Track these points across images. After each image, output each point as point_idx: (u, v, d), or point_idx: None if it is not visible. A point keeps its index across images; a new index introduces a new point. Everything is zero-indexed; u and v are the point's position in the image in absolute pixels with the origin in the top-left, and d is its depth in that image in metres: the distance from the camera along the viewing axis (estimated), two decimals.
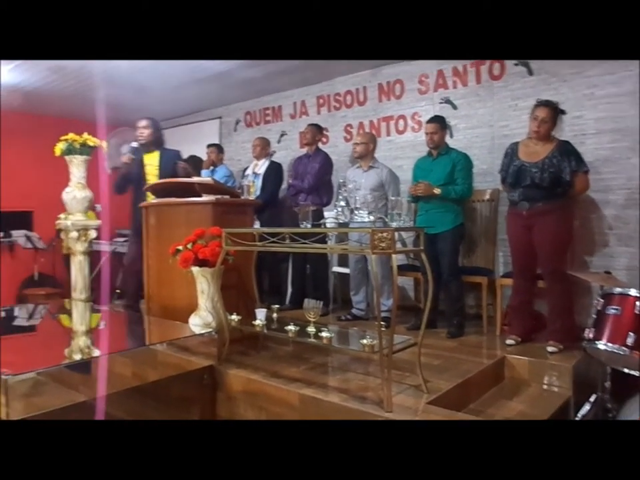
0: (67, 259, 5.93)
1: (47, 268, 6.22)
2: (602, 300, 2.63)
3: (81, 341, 3.16)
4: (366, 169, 4.01)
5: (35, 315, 4.29)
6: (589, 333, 2.59)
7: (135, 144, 4.23)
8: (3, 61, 4.33)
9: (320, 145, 4.91)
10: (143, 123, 4.22)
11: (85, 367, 2.54)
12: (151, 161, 4.19)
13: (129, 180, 4.18)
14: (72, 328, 3.65)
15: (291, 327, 2.54)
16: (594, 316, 2.65)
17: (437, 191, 3.47)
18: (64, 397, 2.34)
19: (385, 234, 2.10)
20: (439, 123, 3.63)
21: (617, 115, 3.52)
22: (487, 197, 3.92)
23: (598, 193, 3.58)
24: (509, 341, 3.27)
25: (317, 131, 4.62)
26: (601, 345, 2.52)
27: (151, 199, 3.84)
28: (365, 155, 3.99)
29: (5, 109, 5.79)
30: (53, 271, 6.24)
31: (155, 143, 4.24)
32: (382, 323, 2.23)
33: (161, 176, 4.04)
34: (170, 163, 4.12)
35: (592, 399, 2.59)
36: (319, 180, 4.38)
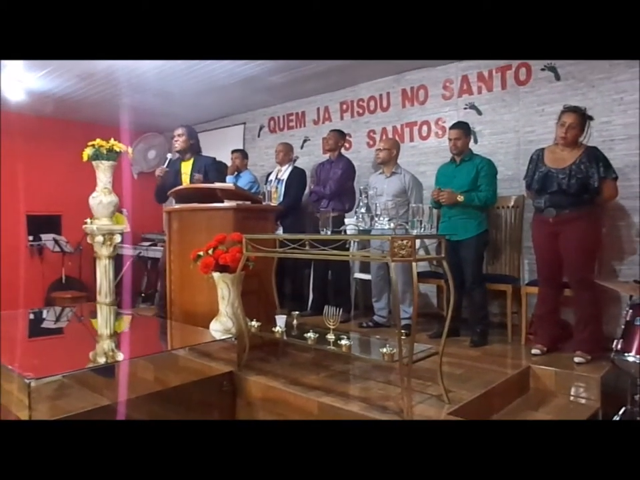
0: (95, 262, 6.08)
1: (73, 271, 6.35)
2: (631, 310, 2.55)
3: (105, 344, 3.20)
4: (389, 175, 3.99)
5: (61, 318, 4.37)
6: (618, 344, 2.52)
7: (169, 155, 4.30)
8: (32, 69, 4.45)
9: (343, 150, 4.91)
10: (179, 131, 4.28)
11: (109, 370, 2.57)
12: (186, 169, 4.25)
13: (166, 190, 4.24)
14: (97, 331, 3.70)
15: (310, 334, 2.53)
16: (622, 326, 2.58)
17: (460, 198, 3.42)
18: (88, 400, 2.37)
19: (405, 241, 2.07)
20: (463, 129, 3.59)
21: None
22: (512, 203, 3.85)
23: (627, 200, 3.49)
24: (534, 351, 3.19)
25: (340, 136, 4.62)
26: (631, 357, 2.45)
27: None
28: (388, 160, 3.98)
29: (36, 115, 5.97)
30: (80, 275, 6.37)
31: (191, 150, 4.30)
32: (402, 330, 2.20)
33: (193, 183, 4.09)
34: (202, 170, 4.17)
35: (621, 411, 2.51)
36: (341, 186, 4.37)
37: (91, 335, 3.64)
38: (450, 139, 3.61)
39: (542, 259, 3.25)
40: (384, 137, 4.79)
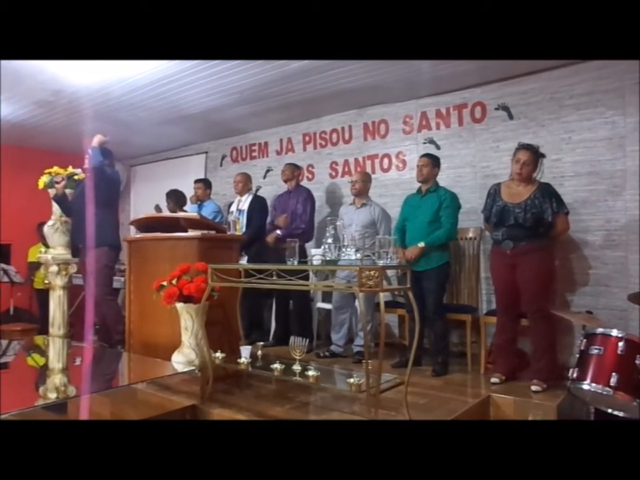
0: (39, 293, 5.82)
1: (23, 302, 6.07)
2: (585, 340, 2.66)
3: (58, 379, 3.06)
4: (359, 206, 4.07)
5: (8, 352, 4.16)
6: (573, 373, 2.61)
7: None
8: None
9: (305, 181, 4.96)
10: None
11: (61, 407, 2.46)
12: None
13: (66, 203, 4.18)
14: (48, 366, 3.54)
15: (277, 365, 2.51)
16: (577, 355, 2.68)
17: (421, 245, 3.50)
18: None
19: (372, 272, 2.10)
20: (431, 158, 3.71)
21: (594, 158, 3.65)
22: (471, 234, 3.98)
23: (577, 233, 3.67)
24: (493, 380, 3.26)
25: (295, 168, 4.72)
26: (585, 385, 2.54)
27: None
28: (363, 192, 4.06)
29: None
30: (30, 306, 6.09)
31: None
32: (362, 359, 2.21)
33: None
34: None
35: None
36: (312, 217, 4.48)
37: (42, 370, 3.47)
38: (417, 166, 3.73)
39: (500, 289, 3.35)
40: (357, 169, 4.89)
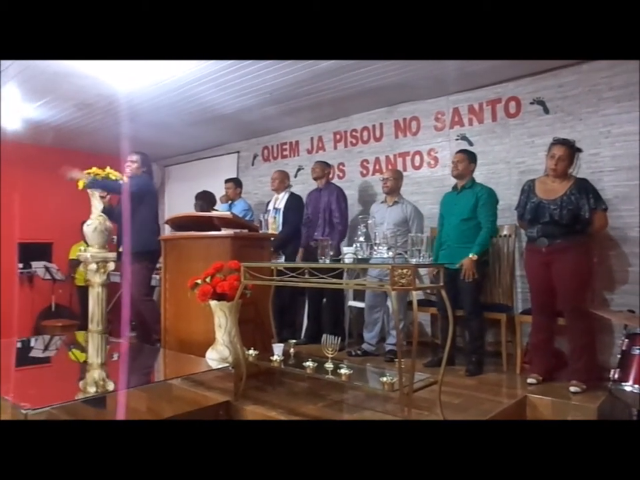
0: (81, 290, 6.01)
1: (64, 299, 6.27)
2: (627, 340, 2.58)
3: (96, 374, 3.14)
4: (391, 204, 4.05)
5: (50, 347, 4.30)
6: (615, 374, 2.54)
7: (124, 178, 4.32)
8: (30, 99, 4.49)
9: (336, 179, 4.96)
10: (133, 157, 4.31)
11: (100, 401, 2.53)
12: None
13: (111, 210, 4.27)
14: (87, 361, 3.64)
15: (309, 363, 2.52)
16: (619, 356, 2.60)
17: (474, 257, 3.42)
18: None
19: (405, 270, 2.09)
20: (466, 154, 3.66)
21: (634, 152, 3.52)
22: (505, 232, 3.91)
23: (616, 230, 3.56)
24: (530, 380, 3.20)
25: (325, 166, 4.73)
26: (628, 386, 2.47)
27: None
28: (395, 190, 4.04)
29: (34, 144, 5.99)
30: (70, 303, 6.29)
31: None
32: (394, 358, 2.20)
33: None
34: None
35: None
36: (346, 215, 4.50)
37: (82, 364, 3.58)
38: (453, 162, 3.68)
39: (535, 287, 3.29)
40: (389, 167, 4.87)
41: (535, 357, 3.32)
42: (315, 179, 4.73)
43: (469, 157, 3.64)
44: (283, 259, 4.46)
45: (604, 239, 3.57)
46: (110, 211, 4.24)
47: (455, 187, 3.73)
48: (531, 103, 4.04)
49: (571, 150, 3.15)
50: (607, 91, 3.66)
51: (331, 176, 4.94)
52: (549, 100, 3.95)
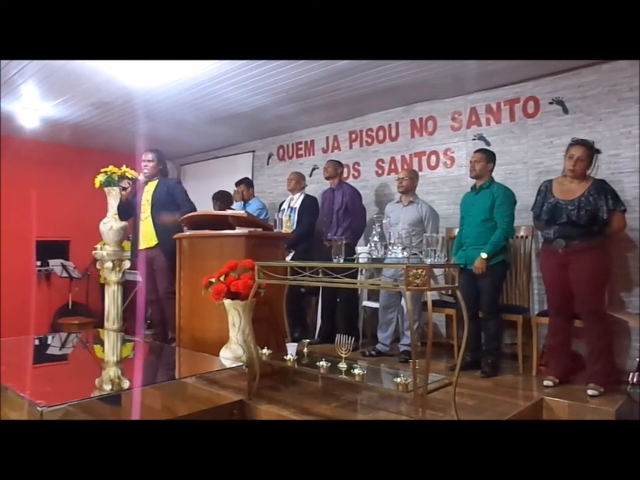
0: (102, 288, 6.08)
1: (80, 297, 6.34)
2: None
3: (112, 371, 3.18)
4: (406, 204, 4.02)
5: (67, 344, 4.35)
6: (634, 377, 2.49)
7: (140, 176, 4.35)
8: (47, 97, 4.54)
9: (351, 179, 4.93)
10: (149, 156, 4.33)
11: (116, 398, 2.55)
12: (149, 188, 4.30)
13: (127, 208, 4.31)
14: (103, 358, 3.68)
15: (323, 363, 2.51)
16: (637, 359, 2.56)
17: (484, 255, 3.39)
18: None
19: (420, 270, 2.07)
20: (485, 153, 3.61)
21: None
22: (522, 233, 3.86)
23: (635, 232, 3.49)
24: (546, 382, 3.16)
25: (337, 165, 4.72)
26: None
27: (148, 228, 4.09)
28: (410, 189, 4.02)
29: (51, 142, 6.08)
30: (87, 300, 6.36)
31: (159, 173, 4.36)
32: (408, 359, 2.18)
33: (154, 204, 4.17)
34: (164, 191, 4.23)
35: None
36: (363, 214, 4.53)
37: (98, 362, 3.62)
38: (470, 162, 3.65)
39: (552, 289, 3.24)
40: (404, 166, 4.84)
41: (551, 359, 3.27)
42: (327, 178, 4.72)
43: (487, 157, 3.59)
44: (291, 256, 4.46)
45: (622, 241, 3.50)
46: (126, 206, 4.28)
47: (473, 187, 3.69)
48: (550, 103, 3.99)
49: (590, 151, 3.10)
50: (627, 91, 3.59)
51: (345, 175, 4.91)
52: (568, 100, 3.89)
